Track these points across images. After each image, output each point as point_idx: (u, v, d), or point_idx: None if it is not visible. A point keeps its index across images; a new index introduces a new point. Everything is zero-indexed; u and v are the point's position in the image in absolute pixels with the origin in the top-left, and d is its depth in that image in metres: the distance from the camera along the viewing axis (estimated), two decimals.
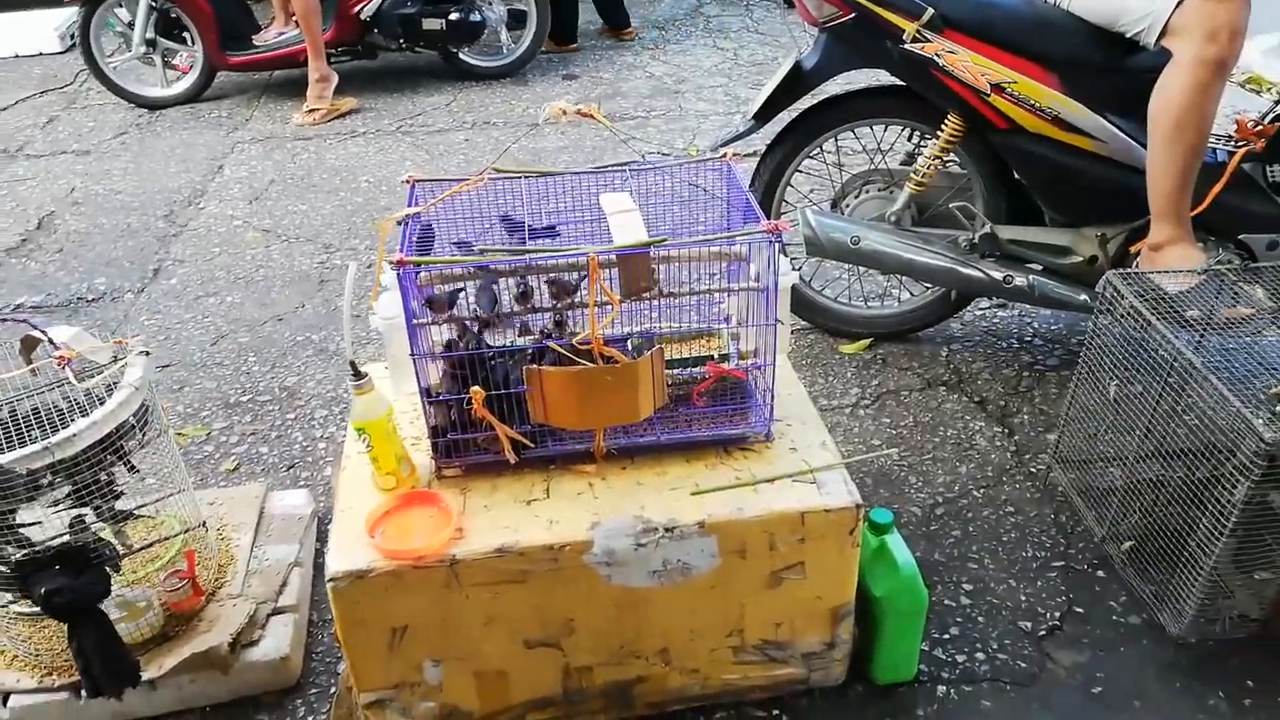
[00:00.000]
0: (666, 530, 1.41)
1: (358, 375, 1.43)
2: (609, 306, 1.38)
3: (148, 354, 1.65)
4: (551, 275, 1.45)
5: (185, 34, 4.43)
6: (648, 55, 4.94)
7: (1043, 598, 1.80)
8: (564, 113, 1.44)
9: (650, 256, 1.37)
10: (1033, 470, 2.12)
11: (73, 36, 4.88)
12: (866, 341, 2.57)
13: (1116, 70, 2.03)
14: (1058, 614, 1.77)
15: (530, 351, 1.46)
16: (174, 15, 4.36)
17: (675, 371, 1.57)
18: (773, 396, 1.52)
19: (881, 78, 2.23)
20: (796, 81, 2.26)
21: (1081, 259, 2.21)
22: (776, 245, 1.38)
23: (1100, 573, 1.85)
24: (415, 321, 1.40)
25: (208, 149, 4.05)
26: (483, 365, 1.44)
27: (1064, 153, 2.09)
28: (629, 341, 1.62)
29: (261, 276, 3.05)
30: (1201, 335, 1.80)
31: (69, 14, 5.24)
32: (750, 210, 1.47)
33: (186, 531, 1.79)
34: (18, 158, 4.07)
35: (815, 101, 2.33)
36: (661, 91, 4.46)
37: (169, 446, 1.74)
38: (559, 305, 1.49)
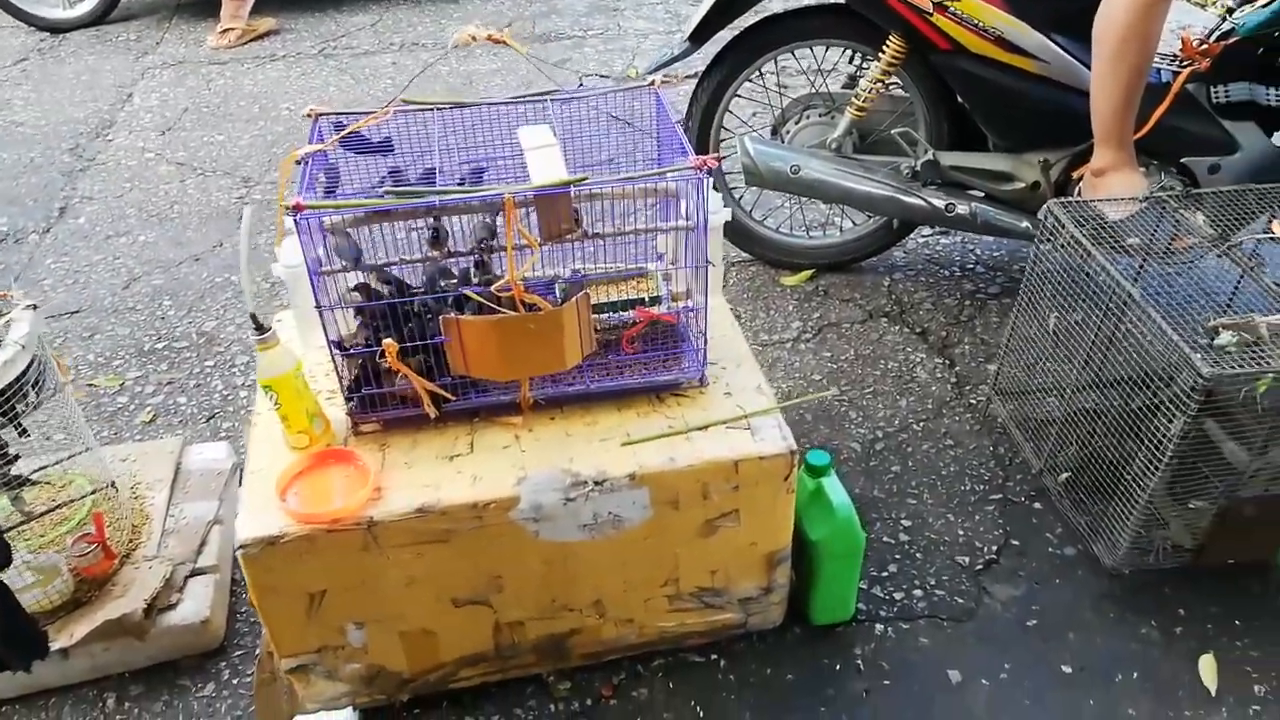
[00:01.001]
0: (596, 483, 1.36)
1: (260, 329, 1.33)
2: (529, 250, 1.29)
3: (35, 308, 1.53)
4: (467, 216, 1.36)
5: None
6: None
7: (980, 532, 1.79)
8: (473, 39, 1.33)
9: (571, 196, 1.28)
10: (972, 402, 2.10)
11: None
12: (808, 273, 2.51)
13: None
14: (994, 548, 1.76)
15: (450, 299, 1.37)
16: None
17: (604, 316, 1.49)
18: (706, 340, 1.45)
19: None
20: (732, 1, 2.15)
21: (1024, 185, 2.16)
22: (706, 182, 1.30)
23: (1037, 505, 1.85)
24: (320, 270, 1.30)
25: (115, 75, 3.80)
26: (396, 315, 1.35)
27: (1007, 74, 2.02)
28: (556, 285, 1.54)
29: (176, 214, 2.89)
30: (1142, 263, 1.77)
31: None
32: (679, 144, 1.38)
33: (94, 492, 1.70)
34: None
35: (755, 20, 2.22)
36: (599, 9, 4.28)
37: (68, 404, 1.63)
38: (476, 249, 1.40)
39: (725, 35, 2.23)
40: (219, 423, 2.11)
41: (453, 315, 1.32)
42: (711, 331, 1.61)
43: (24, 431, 1.51)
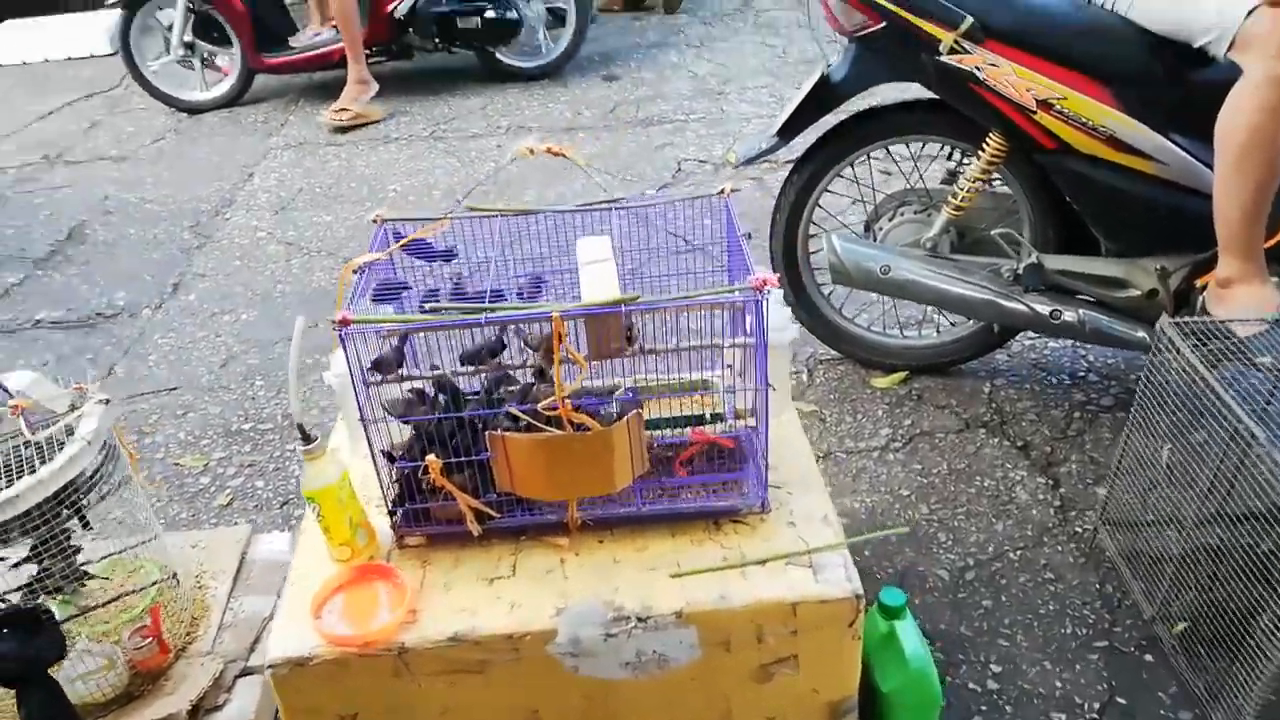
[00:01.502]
0: (639, 620, 1.26)
1: (306, 439, 1.31)
2: (578, 369, 1.23)
3: (107, 402, 1.56)
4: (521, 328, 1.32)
5: (224, 36, 4.40)
6: (692, 54, 4.76)
7: (1081, 685, 1.61)
8: (531, 152, 1.30)
9: (621, 316, 1.22)
10: (1078, 530, 1.91)
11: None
12: (901, 375, 2.38)
13: (1180, 85, 1.80)
14: (1097, 705, 1.57)
15: (501, 414, 1.32)
16: (212, 17, 4.33)
17: (660, 433, 1.41)
18: (767, 467, 1.35)
19: (918, 91, 2.03)
20: (824, 95, 2.08)
21: (1139, 293, 1.99)
22: (765, 303, 1.21)
23: (1148, 657, 1.64)
24: (369, 381, 1.28)
25: (241, 155, 4.01)
26: (443, 430, 1.31)
27: (1120, 175, 1.87)
28: (614, 395, 1.47)
29: (279, 293, 2.98)
30: (1274, 387, 1.58)
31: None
32: (741, 259, 1.31)
33: (155, 584, 1.71)
34: (58, 164, 4.08)
35: (848, 115, 2.15)
36: (704, 92, 4.28)
37: (136, 496, 1.65)
38: (534, 362, 1.35)
39: (818, 127, 2.16)
40: (291, 509, 2.11)
41: (498, 432, 1.26)
42: (780, 449, 1.51)
43: (87, 525, 1.53)
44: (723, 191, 1.47)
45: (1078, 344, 2.45)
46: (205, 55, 4.47)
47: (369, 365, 1.28)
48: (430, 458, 1.27)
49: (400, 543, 1.40)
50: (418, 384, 1.37)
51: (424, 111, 4.32)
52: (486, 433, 1.27)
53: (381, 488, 1.34)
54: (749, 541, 1.36)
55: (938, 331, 2.40)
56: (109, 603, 1.62)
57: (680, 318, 1.32)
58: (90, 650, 1.57)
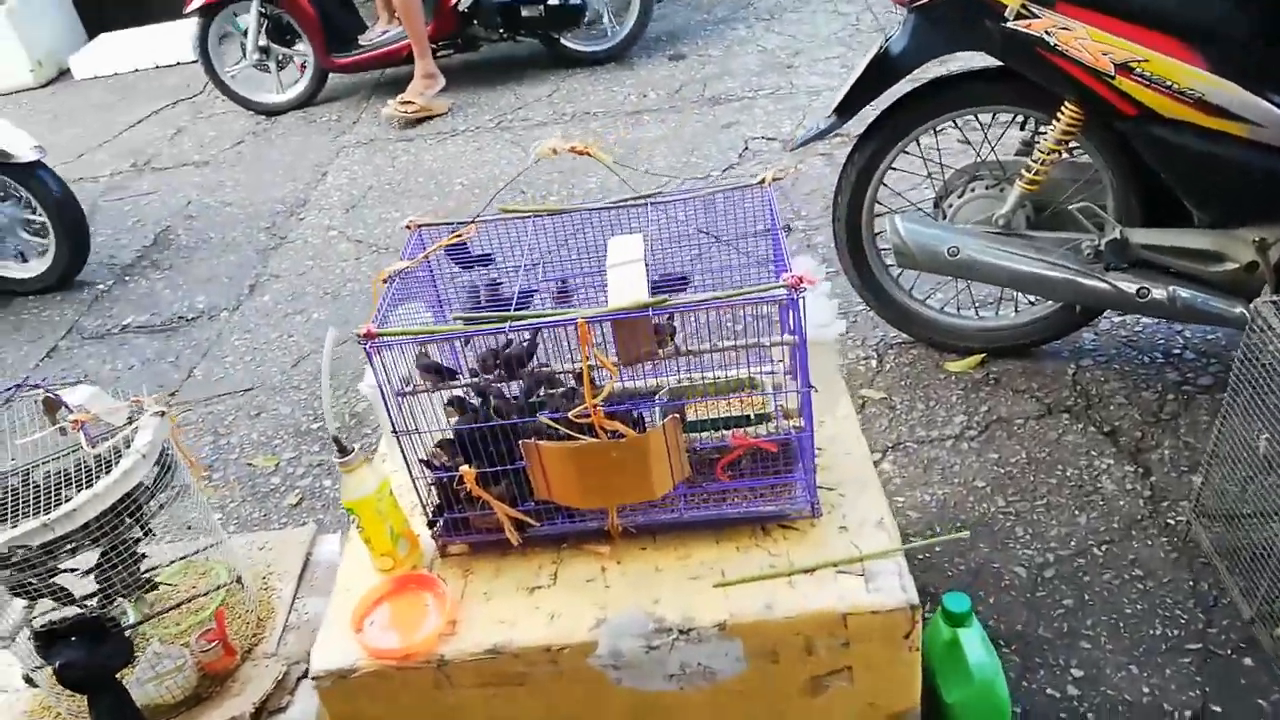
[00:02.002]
0: (682, 632, 1.22)
1: (342, 451, 1.30)
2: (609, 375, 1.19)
3: (163, 414, 1.59)
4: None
5: (297, 39, 4.48)
6: (761, 27, 4.63)
7: (1171, 691, 1.49)
8: (555, 152, 1.26)
9: (650, 320, 1.17)
10: (1170, 523, 1.78)
11: None
12: (977, 358, 2.26)
13: (1276, 40, 1.64)
14: (1189, 713, 1.46)
15: (532, 422, 1.29)
16: (285, 20, 4.41)
17: (701, 436, 1.36)
18: (814, 472, 1.29)
19: (986, 59, 1.90)
20: (883, 69, 1.97)
21: (1237, 266, 1.83)
22: (801, 303, 1.14)
23: (1247, 661, 1.52)
24: (403, 392, 1.26)
25: (315, 155, 4.08)
26: (481, 437, 1.28)
27: (1210, 141, 1.72)
28: (656, 397, 1.42)
29: (349, 291, 3.02)
30: None
31: None
32: (780, 255, 1.24)
33: (219, 588, 1.74)
34: (145, 171, 4.23)
35: (912, 87, 2.04)
36: (773, 67, 4.16)
37: (197, 502, 1.69)
38: (568, 369, 1.31)
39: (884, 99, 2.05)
40: None
41: (532, 441, 1.23)
42: (834, 448, 1.45)
43: (149, 533, 1.57)
44: (763, 181, 1.40)
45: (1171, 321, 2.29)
46: (280, 58, 4.56)
47: (424, 368, 1.26)
48: (465, 468, 1.25)
49: (443, 551, 1.38)
50: (457, 391, 1.35)
51: (490, 102, 4.32)
52: (520, 441, 1.24)
53: (420, 498, 1.33)
54: (798, 548, 1.30)
55: (1016, 311, 2.27)
56: (175, 607, 1.66)
57: (723, 315, 1.27)
58: (161, 653, 1.62)
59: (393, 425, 1.25)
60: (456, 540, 1.37)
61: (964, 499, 1.90)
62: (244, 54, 4.50)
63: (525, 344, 1.32)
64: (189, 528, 1.75)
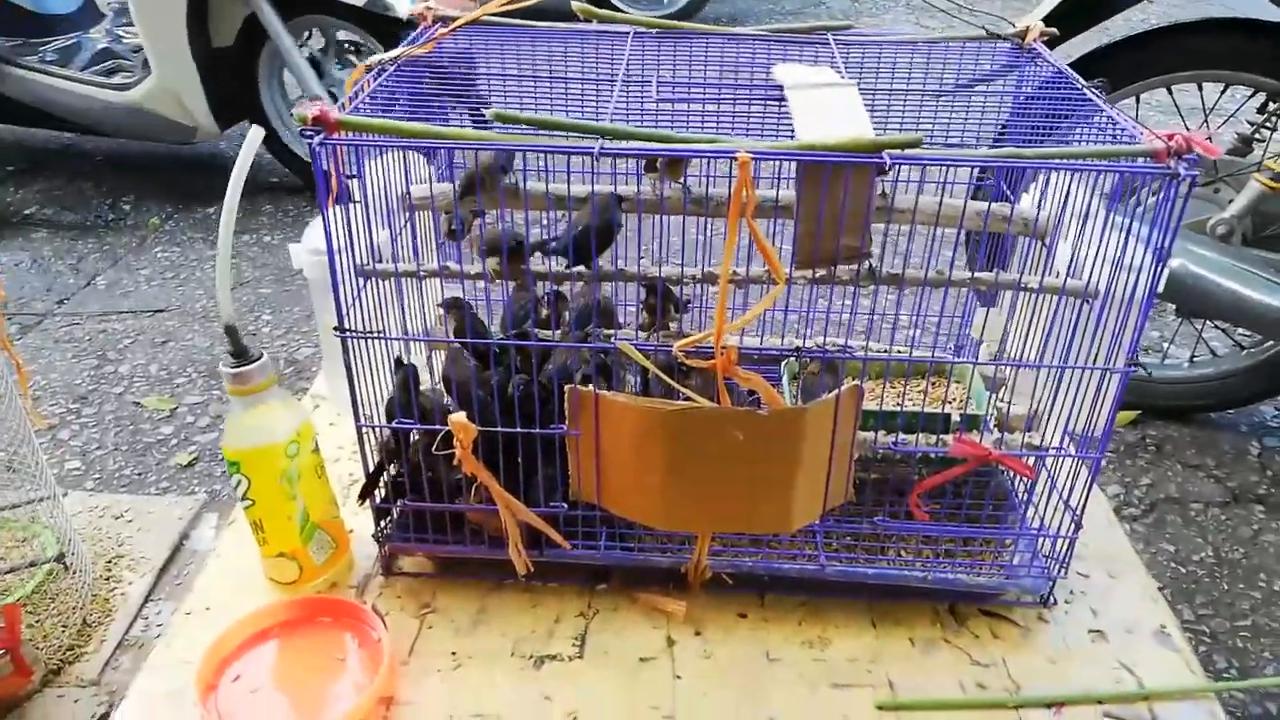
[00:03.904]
0: None
1: (237, 353, 0.72)
2: (768, 285, 0.62)
3: None
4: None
5: None
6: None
7: None
8: None
9: (871, 180, 0.60)
10: None
11: None
12: (1130, 414, 1.70)
13: None
14: None
15: (589, 360, 0.71)
16: None
17: (876, 438, 0.79)
18: (1078, 526, 0.72)
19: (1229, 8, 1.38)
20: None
21: None
22: (1176, 189, 0.59)
23: None
24: (365, 271, 0.68)
25: None
26: (488, 371, 0.70)
27: None
28: (784, 364, 0.86)
29: None
30: None
31: None
32: (1108, 119, 0.68)
33: (35, 565, 1.14)
34: None
35: (1109, 41, 1.51)
36: None
37: (21, 429, 1.09)
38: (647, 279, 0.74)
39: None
40: None
41: (590, 388, 0.66)
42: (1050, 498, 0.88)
43: None
44: (1024, 34, 0.84)
45: None
46: None
47: (461, 188, 0.68)
48: (455, 418, 0.66)
49: (388, 566, 0.79)
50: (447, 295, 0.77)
51: None
52: (568, 387, 0.66)
53: (364, 461, 0.74)
54: (1018, 656, 0.72)
55: (1190, 362, 1.71)
56: None
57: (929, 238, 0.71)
58: None
59: (340, 318, 0.66)
60: (416, 548, 0.78)
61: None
62: None
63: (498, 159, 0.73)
64: (9, 467, 1.16)
